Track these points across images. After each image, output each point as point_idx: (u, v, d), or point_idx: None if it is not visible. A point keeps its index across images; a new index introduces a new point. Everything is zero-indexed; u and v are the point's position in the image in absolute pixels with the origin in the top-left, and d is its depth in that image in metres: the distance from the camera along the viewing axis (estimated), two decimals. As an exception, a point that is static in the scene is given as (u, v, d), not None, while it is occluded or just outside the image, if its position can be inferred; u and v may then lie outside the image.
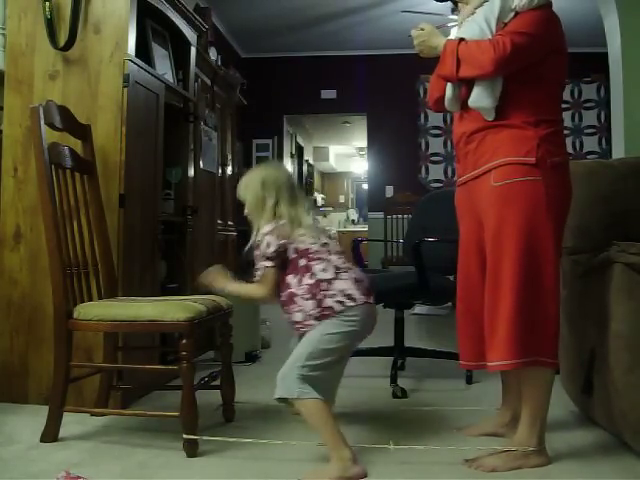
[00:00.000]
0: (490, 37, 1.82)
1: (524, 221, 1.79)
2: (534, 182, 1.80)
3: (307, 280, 1.82)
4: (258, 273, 1.89)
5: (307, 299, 1.81)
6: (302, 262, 1.85)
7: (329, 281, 1.81)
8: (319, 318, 1.79)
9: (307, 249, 1.86)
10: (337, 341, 1.79)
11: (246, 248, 1.98)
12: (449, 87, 1.96)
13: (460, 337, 2.03)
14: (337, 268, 1.84)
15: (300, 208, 1.95)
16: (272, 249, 1.84)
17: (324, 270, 1.82)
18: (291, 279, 1.85)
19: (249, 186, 1.99)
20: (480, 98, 1.84)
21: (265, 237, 1.86)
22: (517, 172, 1.81)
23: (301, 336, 1.85)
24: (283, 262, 1.87)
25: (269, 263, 1.85)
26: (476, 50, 1.80)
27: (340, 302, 1.78)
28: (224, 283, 1.96)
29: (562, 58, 1.89)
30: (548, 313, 1.80)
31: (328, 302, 1.78)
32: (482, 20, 1.86)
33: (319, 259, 1.84)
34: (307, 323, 1.81)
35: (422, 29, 1.94)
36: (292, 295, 1.83)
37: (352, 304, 1.79)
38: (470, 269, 1.99)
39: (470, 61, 1.81)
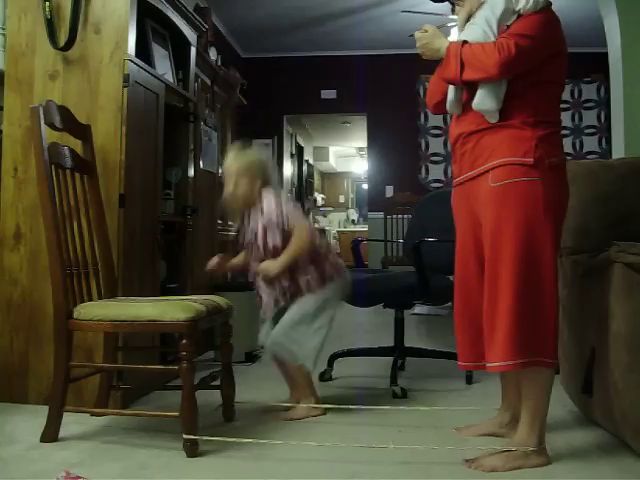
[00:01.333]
0: (493, 40, 1.82)
1: (522, 221, 1.79)
2: (532, 182, 1.80)
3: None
4: (297, 224, 2.24)
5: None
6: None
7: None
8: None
9: None
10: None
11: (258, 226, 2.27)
12: (451, 90, 1.96)
13: (458, 338, 2.03)
14: None
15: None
16: (294, 208, 2.29)
17: None
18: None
19: (250, 167, 2.31)
20: (484, 100, 1.84)
21: (282, 205, 2.25)
22: (515, 172, 1.81)
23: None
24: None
25: (303, 218, 2.32)
26: (481, 53, 1.79)
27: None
28: (272, 268, 2.22)
29: (563, 60, 1.89)
30: (547, 313, 1.80)
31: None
32: (484, 23, 1.85)
33: None
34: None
35: (425, 31, 1.93)
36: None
37: None
38: (468, 270, 1.99)
39: (475, 64, 1.80)
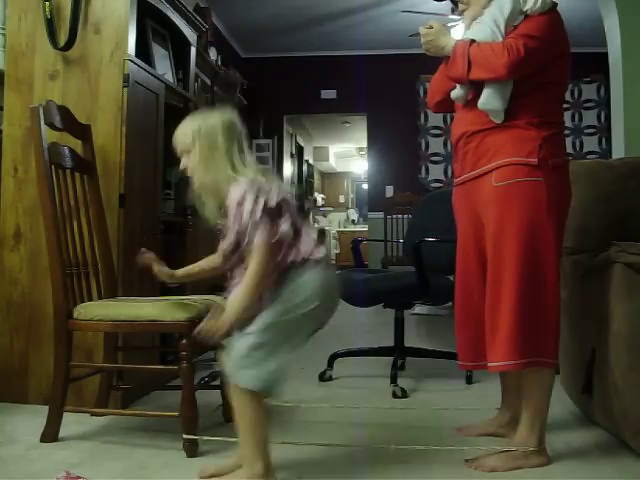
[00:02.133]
0: (501, 39, 1.82)
1: (526, 221, 1.79)
2: (536, 182, 1.80)
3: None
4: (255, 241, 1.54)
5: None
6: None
7: None
8: None
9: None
10: None
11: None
12: (460, 86, 1.95)
13: (459, 337, 2.03)
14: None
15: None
16: (260, 207, 1.54)
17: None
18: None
19: (206, 132, 1.69)
20: (491, 100, 1.84)
21: (247, 195, 1.56)
22: (519, 173, 1.81)
23: None
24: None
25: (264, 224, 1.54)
26: (490, 54, 1.79)
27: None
28: (222, 323, 1.61)
29: (566, 61, 1.89)
30: (549, 313, 1.80)
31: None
32: (492, 22, 1.85)
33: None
34: None
35: (430, 27, 1.93)
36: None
37: None
38: (469, 269, 1.99)
39: (483, 64, 1.80)
